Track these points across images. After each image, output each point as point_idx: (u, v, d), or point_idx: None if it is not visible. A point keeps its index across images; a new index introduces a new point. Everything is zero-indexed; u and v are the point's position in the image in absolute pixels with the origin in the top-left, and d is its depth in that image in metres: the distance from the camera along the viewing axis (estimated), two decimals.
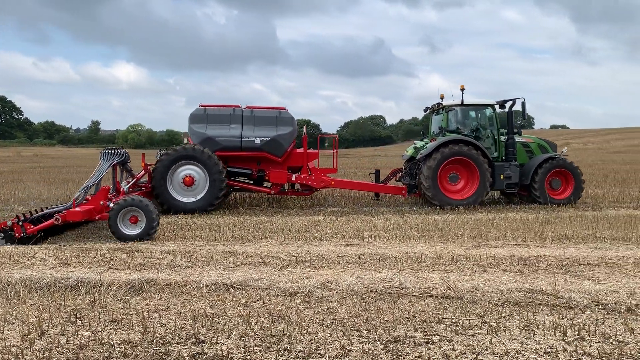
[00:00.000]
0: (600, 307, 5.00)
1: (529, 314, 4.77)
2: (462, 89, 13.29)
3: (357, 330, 4.35)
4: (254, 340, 4.16)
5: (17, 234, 8.12)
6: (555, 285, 5.68)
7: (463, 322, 4.53)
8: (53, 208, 8.98)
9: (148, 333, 4.31)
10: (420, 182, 12.74)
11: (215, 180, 11.88)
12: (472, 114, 13.66)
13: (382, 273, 6.31)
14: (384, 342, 4.09)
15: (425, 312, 4.82)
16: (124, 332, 4.37)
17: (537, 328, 4.40)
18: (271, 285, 5.74)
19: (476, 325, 4.48)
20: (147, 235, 8.42)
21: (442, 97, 13.94)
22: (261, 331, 4.34)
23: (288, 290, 5.56)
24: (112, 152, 10.23)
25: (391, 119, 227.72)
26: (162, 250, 7.68)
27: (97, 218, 8.89)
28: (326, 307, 4.98)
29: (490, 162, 12.85)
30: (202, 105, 12.74)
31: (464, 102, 13.34)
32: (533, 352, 3.89)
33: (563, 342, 4.07)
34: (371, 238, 8.65)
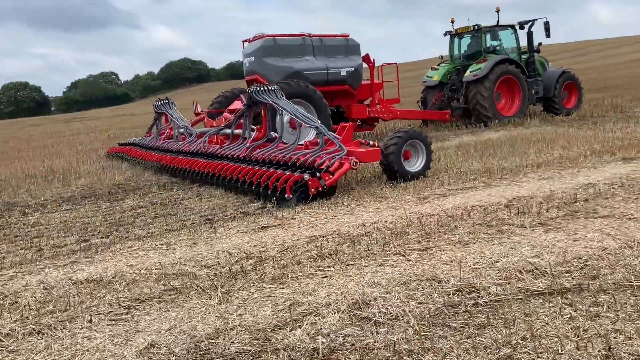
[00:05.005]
0: None
1: None
2: (498, 10, 13.82)
3: None
4: None
5: (312, 189, 6.07)
6: None
7: None
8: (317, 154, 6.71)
9: None
10: (475, 103, 12.69)
11: (325, 120, 10.10)
12: (500, 34, 14.25)
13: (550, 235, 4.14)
14: None
15: None
16: None
17: None
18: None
19: None
20: (426, 170, 7.24)
21: (452, 21, 14.32)
22: None
23: None
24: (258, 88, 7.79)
25: (124, 76, 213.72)
26: None
27: None
28: None
29: (528, 79, 13.39)
30: (268, 36, 10.92)
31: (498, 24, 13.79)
32: None
33: None
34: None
